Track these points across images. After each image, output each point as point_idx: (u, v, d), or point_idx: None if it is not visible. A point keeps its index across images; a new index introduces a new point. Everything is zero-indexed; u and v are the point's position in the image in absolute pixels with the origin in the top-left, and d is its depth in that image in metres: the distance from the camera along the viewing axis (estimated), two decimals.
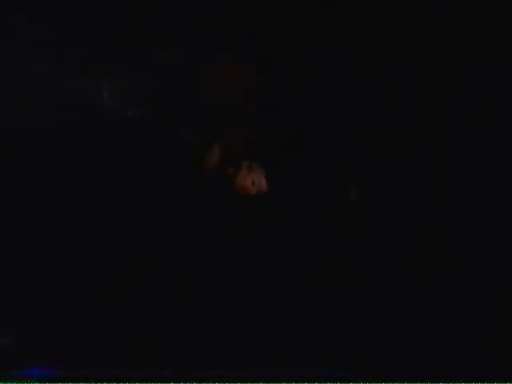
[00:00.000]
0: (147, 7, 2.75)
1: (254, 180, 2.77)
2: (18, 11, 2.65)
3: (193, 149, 2.76)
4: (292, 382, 2.30)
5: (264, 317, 2.48)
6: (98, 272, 2.49)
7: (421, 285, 2.52)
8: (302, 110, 2.81)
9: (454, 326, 2.45)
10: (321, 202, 2.75)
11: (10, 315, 2.43)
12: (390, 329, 2.47)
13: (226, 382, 2.29)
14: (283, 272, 2.55)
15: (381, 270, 2.55)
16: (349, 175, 2.76)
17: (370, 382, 2.30)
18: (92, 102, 2.71)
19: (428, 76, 2.74)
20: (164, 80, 2.78)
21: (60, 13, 2.69)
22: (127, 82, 2.76)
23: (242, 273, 2.54)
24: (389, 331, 2.47)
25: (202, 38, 2.76)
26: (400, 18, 2.74)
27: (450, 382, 2.29)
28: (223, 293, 2.51)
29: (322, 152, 2.79)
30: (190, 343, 2.44)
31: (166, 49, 2.77)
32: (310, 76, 2.80)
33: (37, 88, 2.65)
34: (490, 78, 2.66)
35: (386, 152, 2.75)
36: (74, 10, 2.70)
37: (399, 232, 2.62)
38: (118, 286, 2.47)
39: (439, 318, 2.47)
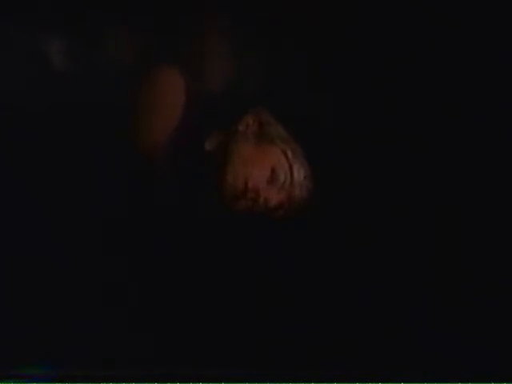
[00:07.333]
0: None
1: (274, 168, 1.42)
2: None
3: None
4: (292, 382, 2.30)
5: (265, 317, 2.48)
6: (96, 272, 2.49)
7: (421, 285, 2.51)
8: None
9: (454, 326, 2.45)
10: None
11: (9, 315, 2.44)
12: (391, 329, 2.47)
13: (225, 381, 2.30)
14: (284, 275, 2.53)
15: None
16: None
17: (369, 381, 2.30)
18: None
19: None
20: None
21: None
22: None
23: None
24: (390, 331, 2.47)
25: None
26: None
27: (449, 381, 2.29)
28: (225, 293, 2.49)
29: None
30: (190, 343, 2.44)
31: None
32: None
33: None
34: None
35: None
36: None
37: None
38: (117, 286, 2.48)
39: (441, 317, 2.47)
